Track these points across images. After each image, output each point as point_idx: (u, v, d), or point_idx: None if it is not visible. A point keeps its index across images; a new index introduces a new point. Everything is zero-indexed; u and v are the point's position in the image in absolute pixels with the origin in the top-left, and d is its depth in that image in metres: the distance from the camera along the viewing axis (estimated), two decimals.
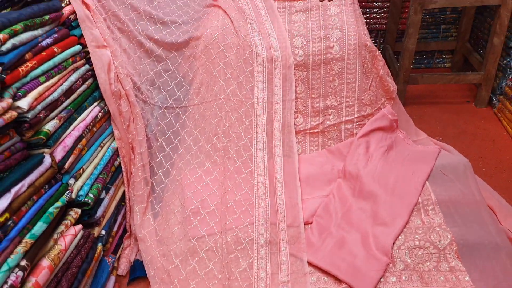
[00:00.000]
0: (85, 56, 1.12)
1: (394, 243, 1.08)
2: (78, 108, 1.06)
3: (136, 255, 1.18)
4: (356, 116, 1.42)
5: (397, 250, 1.07)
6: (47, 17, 0.96)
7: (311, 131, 1.44)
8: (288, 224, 1.18)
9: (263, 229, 1.15)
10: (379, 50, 2.16)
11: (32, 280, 0.81)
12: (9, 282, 0.75)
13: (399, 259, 1.06)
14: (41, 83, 0.91)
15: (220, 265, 1.08)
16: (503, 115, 1.68)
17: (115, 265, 1.13)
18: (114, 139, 1.20)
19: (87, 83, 1.11)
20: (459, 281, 0.99)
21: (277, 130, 1.38)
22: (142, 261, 1.15)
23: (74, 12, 1.11)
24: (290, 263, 1.09)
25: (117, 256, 1.16)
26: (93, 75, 1.15)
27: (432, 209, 1.16)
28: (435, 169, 1.28)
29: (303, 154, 1.42)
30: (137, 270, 1.14)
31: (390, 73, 1.48)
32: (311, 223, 1.20)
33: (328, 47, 1.41)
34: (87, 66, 1.12)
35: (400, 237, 1.10)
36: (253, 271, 1.07)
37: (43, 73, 0.92)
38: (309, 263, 1.09)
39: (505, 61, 1.71)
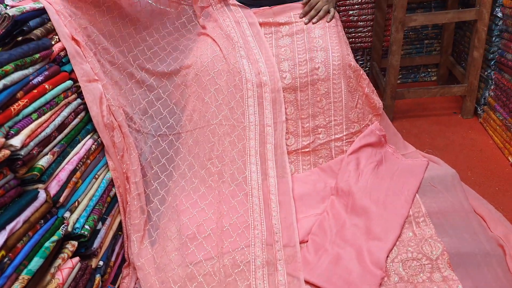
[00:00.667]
0: (77, 90, 1.15)
1: (387, 256, 1.10)
2: (71, 142, 1.08)
3: (135, 283, 1.19)
4: (345, 133, 1.45)
5: (391, 263, 1.09)
6: (37, 55, 0.99)
7: (302, 150, 1.47)
8: (284, 244, 1.19)
9: (260, 250, 1.17)
10: (366, 68, 2.23)
11: None
12: None
13: (393, 272, 1.07)
14: (33, 120, 0.93)
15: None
16: (489, 124, 1.72)
17: None
18: (109, 170, 1.22)
19: (79, 116, 1.13)
20: None
21: (270, 151, 1.41)
22: None
23: (64, 49, 1.14)
24: (287, 282, 1.10)
25: (116, 286, 1.17)
26: (85, 109, 1.18)
27: (423, 221, 1.18)
28: (424, 181, 1.30)
29: (296, 173, 1.45)
30: None
31: (375, 91, 1.52)
32: (307, 241, 1.22)
33: (314, 68, 1.45)
34: (79, 100, 1.15)
35: (393, 250, 1.12)
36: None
37: (35, 110, 0.95)
38: (306, 281, 1.10)
39: (486, 73, 1.76)
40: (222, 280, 1.10)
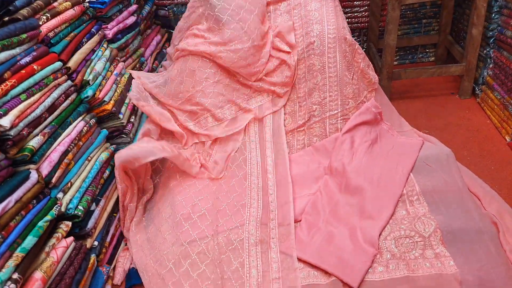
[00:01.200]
0: (67, 72, 1.15)
1: (380, 234, 1.10)
2: (62, 123, 1.08)
3: (131, 264, 1.20)
4: (339, 110, 1.44)
5: (383, 241, 1.09)
6: (24, 35, 0.98)
7: (298, 129, 1.46)
8: (279, 223, 1.19)
9: (254, 229, 1.17)
10: (362, 48, 2.20)
11: None
12: None
13: (385, 250, 1.07)
14: (22, 101, 0.93)
15: (212, 266, 1.10)
16: (486, 104, 1.70)
17: (111, 274, 1.15)
18: (102, 152, 1.22)
19: (70, 98, 1.13)
20: (444, 266, 1.00)
21: (268, 133, 1.42)
22: (137, 269, 1.17)
23: (52, 29, 1.13)
24: (280, 260, 1.11)
25: (112, 266, 1.18)
26: (76, 90, 1.17)
27: (417, 199, 1.18)
28: (419, 160, 1.30)
29: (290, 153, 1.45)
30: (133, 278, 1.16)
31: (371, 65, 1.51)
32: (300, 220, 1.22)
33: (310, 43, 1.44)
34: (69, 82, 1.14)
35: (386, 228, 1.12)
36: (244, 270, 1.09)
37: (23, 91, 0.95)
38: (299, 259, 1.10)
39: (485, 51, 1.73)
40: (216, 257, 1.11)
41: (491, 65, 1.70)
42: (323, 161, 1.37)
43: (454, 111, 1.77)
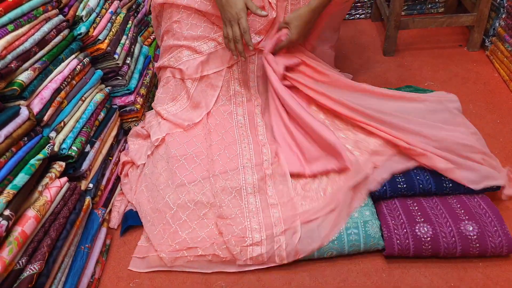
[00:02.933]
0: (58, 6, 1.08)
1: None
2: (54, 59, 1.02)
3: (126, 206, 1.19)
4: None
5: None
6: None
7: None
8: (272, 162, 1.17)
9: (250, 177, 1.13)
10: None
11: (18, 229, 0.81)
12: None
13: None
14: (10, 32, 0.87)
15: (210, 194, 1.10)
16: (495, 56, 1.65)
17: (106, 217, 1.14)
18: (96, 93, 1.18)
19: (62, 34, 1.07)
20: None
21: (252, 72, 1.31)
22: (133, 210, 1.15)
23: None
24: (276, 189, 1.12)
25: (108, 209, 1.17)
26: (69, 26, 1.11)
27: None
28: None
29: None
30: (129, 219, 1.15)
31: None
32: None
33: None
34: (60, 17, 1.07)
35: None
36: (242, 196, 1.09)
37: (10, 21, 0.88)
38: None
39: (498, 0, 1.65)
40: (213, 187, 1.11)
41: (503, 15, 1.62)
42: None
43: (461, 64, 1.71)
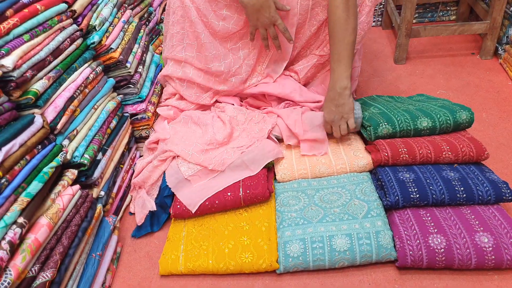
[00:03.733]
0: (72, 15, 1.09)
1: None
2: (68, 68, 1.04)
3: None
4: None
5: None
6: None
7: None
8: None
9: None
10: (380, 4, 2.09)
11: (32, 237, 0.81)
12: (7, 238, 0.76)
13: None
14: (25, 42, 0.89)
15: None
16: (509, 64, 1.63)
17: (117, 225, 1.14)
18: (108, 101, 1.19)
19: (76, 43, 1.08)
20: None
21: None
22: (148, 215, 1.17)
23: None
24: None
25: (119, 217, 1.17)
26: (82, 36, 1.12)
27: None
28: None
29: None
30: (147, 226, 1.16)
31: None
32: None
33: None
34: (74, 26, 1.09)
35: None
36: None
37: (26, 31, 0.90)
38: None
39: (511, 8, 1.63)
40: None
41: None
42: None
43: (474, 72, 1.69)
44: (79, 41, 1.10)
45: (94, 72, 1.13)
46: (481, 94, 1.56)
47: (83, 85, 1.07)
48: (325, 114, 1.21)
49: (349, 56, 1.13)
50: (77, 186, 0.97)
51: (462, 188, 1.06)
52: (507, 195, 1.05)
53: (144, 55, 1.41)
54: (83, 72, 1.08)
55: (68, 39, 1.05)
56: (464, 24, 1.70)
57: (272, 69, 1.39)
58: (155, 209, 1.16)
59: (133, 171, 1.29)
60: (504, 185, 1.06)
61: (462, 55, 1.82)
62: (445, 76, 1.69)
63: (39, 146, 0.90)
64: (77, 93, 1.04)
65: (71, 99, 1.01)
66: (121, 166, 1.23)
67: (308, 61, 1.37)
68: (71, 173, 0.98)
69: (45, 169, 0.88)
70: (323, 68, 1.40)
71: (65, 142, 0.99)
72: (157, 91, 1.44)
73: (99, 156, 1.09)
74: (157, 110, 1.38)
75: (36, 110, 0.91)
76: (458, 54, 1.83)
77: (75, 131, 1.02)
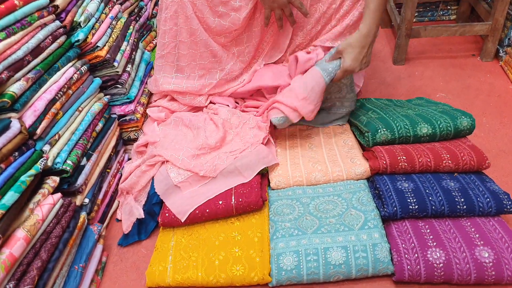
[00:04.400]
0: (55, 11, 1.03)
1: None
2: (49, 68, 0.97)
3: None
4: None
5: None
6: None
7: None
8: None
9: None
10: None
11: (6, 252, 0.76)
12: None
13: None
14: (1, 40, 0.82)
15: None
16: (510, 67, 1.58)
17: (102, 233, 1.09)
18: (94, 102, 1.13)
19: (58, 41, 1.02)
20: None
21: None
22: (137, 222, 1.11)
23: None
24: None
25: (105, 224, 1.12)
26: (66, 33, 1.06)
27: None
28: None
29: None
30: (134, 234, 1.11)
31: None
32: None
33: None
34: (57, 23, 1.02)
35: None
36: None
37: (2, 29, 0.84)
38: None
39: None
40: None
41: None
42: None
43: (474, 74, 1.65)
44: (62, 38, 1.04)
45: (78, 72, 1.07)
46: (481, 97, 1.52)
47: (66, 86, 1.01)
48: (348, 60, 1.09)
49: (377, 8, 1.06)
50: (58, 195, 0.92)
51: (462, 200, 1.02)
52: (508, 206, 1.01)
53: (134, 53, 1.35)
54: (67, 72, 1.02)
55: (49, 37, 0.98)
56: (465, 25, 1.65)
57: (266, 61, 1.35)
58: (143, 217, 1.10)
59: (121, 175, 1.23)
60: (506, 197, 1.02)
61: (462, 56, 1.78)
62: (444, 78, 1.64)
63: (16, 153, 0.84)
64: (59, 95, 0.98)
65: (52, 102, 0.95)
66: (108, 170, 1.17)
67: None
68: (52, 181, 0.92)
69: (22, 178, 0.83)
70: None
71: (46, 147, 0.93)
72: (147, 91, 1.38)
73: (83, 161, 1.03)
74: (147, 111, 1.32)
75: (12, 114, 0.85)
76: (458, 56, 1.78)
77: (57, 135, 0.96)
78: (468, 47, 1.83)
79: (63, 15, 1.05)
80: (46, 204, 0.88)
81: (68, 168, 0.95)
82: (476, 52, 1.78)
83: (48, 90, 0.95)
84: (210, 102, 1.37)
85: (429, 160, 1.09)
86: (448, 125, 1.16)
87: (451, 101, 1.48)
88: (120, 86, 1.22)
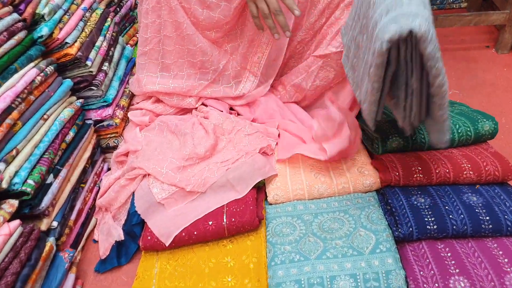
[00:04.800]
0: (11, 2, 0.87)
1: None
2: (4, 71, 0.82)
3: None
4: None
5: None
6: None
7: None
8: None
9: None
10: None
11: None
12: None
13: None
14: None
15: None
16: None
17: (75, 260, 0.95)
18: (64, 108, 0.98)
19: (16, 38, 0.86)
20: None
21: None
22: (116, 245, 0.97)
23: None
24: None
25: (78, 249, 0.98)
26: (26, 27, 0.90)
27: None
28: None
29: None
30: (107, 263, 0.97)
31: None
32: None
33: None
34: (15, 16, 0.87)
35: None
36: None
37: None
38: None
39: None
40: None
41: None
42: None
43: (489, 68, 1.51)
44: (21, 34, 0.88)
45: (43, 74, 0.91)
46: (498, 94, 1.39)
47: (26, 91, 0.86)
48: None
49: None
50: (16, 222, 0.78)
51: (487, 218, 0.89)
52: None
53: (112, 49, 1.19)
54: (27, 75, 0.87)
55: (4, 33, 0.83)
56: (480, 14, 1.51)
57: (264, 72, 1.19)
58: (123, 239, 0.96)
59: (99, 188, 1.09)
60: None
61: (475, 48, 1.64)
62: (456, 72, 1.51)
63: None
64: (17, 102, 0.83)
65: (7, 111, 0.80)
66: (82, 185, 1.03)
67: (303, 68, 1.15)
68: (9, 205, 0.78)
69: None
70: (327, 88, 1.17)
71: (1, 166, 0.78)
72: (127, 92, 1.23)
73: (50, 179, 0.88)
74: (128, 114, 1.18)
75: None
76: (471, 47, 1.64)
77: (14, 151, 0.81)
78: (481, 38, 1.69)
79: (22, 7, 0.90)
80: (0, 235, 0.74)
81: (29, 189, 0.81)
82: (491, 44, 1.64)
83: (2, 97, 0.80)
84: (202, 104, 1.22)
85: (447, 170, 0.96)
86: (468, 129, 1.03)
87: (465, 99, 1.35)
88: (95, 88, 1.07)
